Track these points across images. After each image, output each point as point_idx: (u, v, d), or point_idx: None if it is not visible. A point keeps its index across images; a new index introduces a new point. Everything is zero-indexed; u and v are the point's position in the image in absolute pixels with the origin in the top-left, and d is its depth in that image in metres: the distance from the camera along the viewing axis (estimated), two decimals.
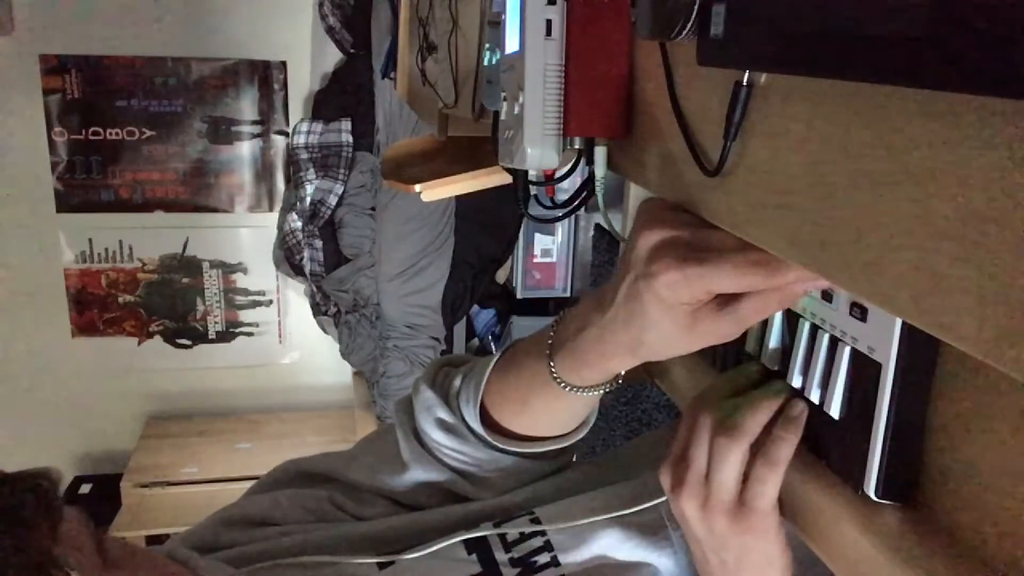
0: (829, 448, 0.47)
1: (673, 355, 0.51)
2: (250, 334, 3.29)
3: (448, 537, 0.64)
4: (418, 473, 0.69)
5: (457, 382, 0.68)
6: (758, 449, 0.50)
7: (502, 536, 0.65)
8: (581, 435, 0.68)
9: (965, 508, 0.39)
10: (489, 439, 0.65)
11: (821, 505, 0.46)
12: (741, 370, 0.55)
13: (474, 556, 0.63)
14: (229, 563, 0.61)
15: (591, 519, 0.65)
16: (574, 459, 0.75)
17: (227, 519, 0.68)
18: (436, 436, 0.67)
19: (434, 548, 0.63)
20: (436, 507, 0.69)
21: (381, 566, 0.62)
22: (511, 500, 0.69)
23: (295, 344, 3.33)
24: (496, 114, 0.63)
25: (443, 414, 0.67)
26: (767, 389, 0.52)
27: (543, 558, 0.64)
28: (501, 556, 0.63)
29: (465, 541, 0.64)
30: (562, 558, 0.64)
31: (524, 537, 0.64)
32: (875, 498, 0.43)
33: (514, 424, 0.65)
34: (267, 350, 3.31)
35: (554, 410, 0.63)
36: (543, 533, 0.65)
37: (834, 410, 0.46)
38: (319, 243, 2.75)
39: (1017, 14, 0.21)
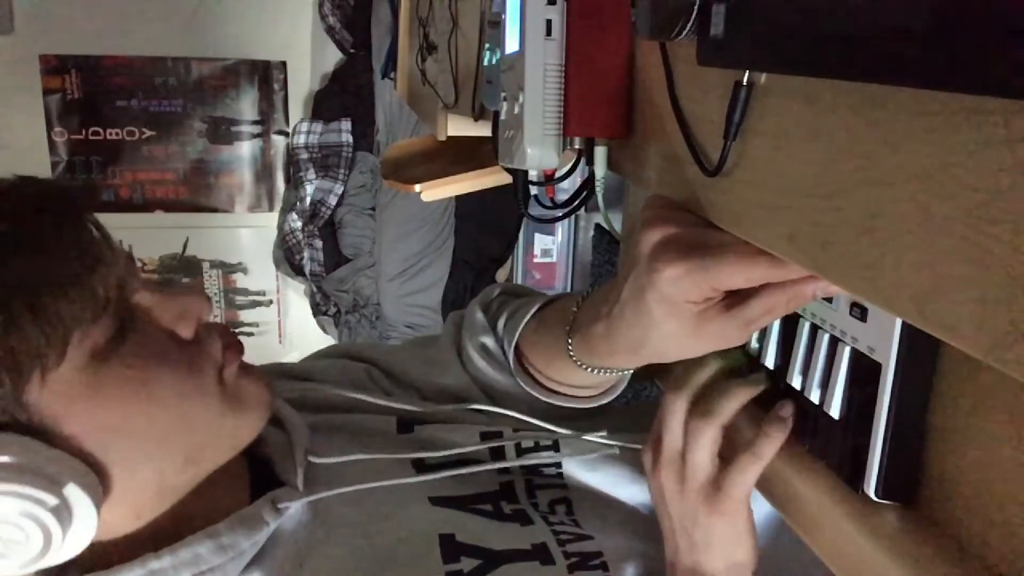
0: (829, 448, 0.47)
1: (677, 357, 0.51)
2: (250, 334, 3.29)
3: (468, 404, 0.67)
4: (450, 381, 0.72)
5: (504, 317, 0.69)
6: (742, 443, 0.51)
7: (517, 443, 0.67)
8: (607, 399, 0.68)
9: (965, 508, 0.39)
10: (521, 383, 0.67)
11: (821, 505, 0.46)
12: (725, 354, 0.55)
13: (486, 447, 0.65)
14: None
15: (603, 440, 0.66)
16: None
17: (274, 370, 0.73)
18: (475, 357, 0.70)
19: (455, 407, 0.67)
20: None
21: (400, 430, 0.66)
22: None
23: (295, 344, 3.33)
24: (496, 114, 0.63)
25: (487, 340, 0.69)
26: (746, 379, 0.53)
27: (549, 470, 0.66)
28: (511, 456, 0.66)
29: (481, 433, 0.66)
30: (567, 476, 0.66)
31: (537, 447, 0.67)
32: (875, 498, 0.43)
33: (541, 375, 0.67)
34: (267, 350, 3.31)
35: (574, 378, 0.65)
36: (556, 449, 0.67)
37: (834, 410, 0.46)
38: (319, 243, 2.75)
39: (1017, 14, 0.21)
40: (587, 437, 0.67)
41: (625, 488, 0.67)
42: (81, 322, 0.46)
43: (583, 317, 0.58)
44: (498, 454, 0.66)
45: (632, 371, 0.62)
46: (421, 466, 0.62)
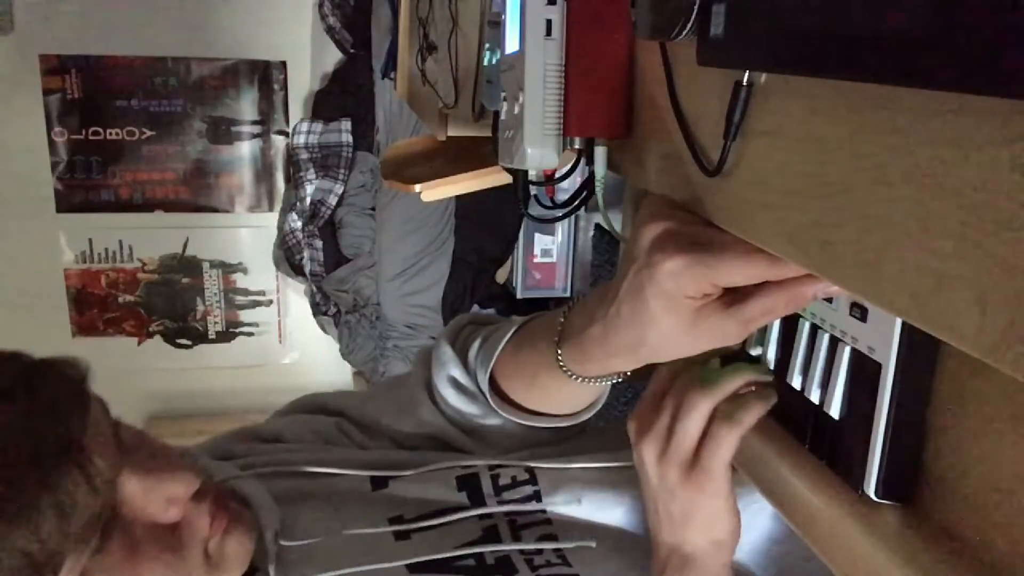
0: (829, 448, 0.47)
1: (675, 356, 0.50)
2: (250, 334, 3.29)
3: (442, 462, 0.66)
4: (423, 423, 0.71)
5: (476, 345, 0.68)
6: (719, 413, 0.51)
7: (494, 478, 0.66)
8: (586, 417, 0.68)
9: (965, 508, 0.39)
10: (495, 407, 0.66)
11: (821, 505, 0.46)
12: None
13: (463, 493, 0.65)
14: (238, 469, 0.65)
15: (581, 465, 0.66)
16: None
17: (242, 433, 0.73)
18: (447, 393, 0.69)
19: (428, 468, 0.65)
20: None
21: (375, 486, 0.65)
22: (509, 456, 0.70)
23: (295, 344, 3.33)
24: (496, 114, 0.63)
25: (457, 373, 0.68)
26: (752, 365, 0.52)
27: (531, 505, 0.65)
28: (490, 497, 0.65)
29: (456, 479, 0.65)
30: (549, 509, 0.65)
31: (515, 483, 0.66)
32: (875, 498, 0.43)
33: (521, 398, 0.66)
34: (267, 350, 3.31)
35: (560, 393, 0.63)
36: (534, 482, 0.66)
37: (834, 410, 0.46)
38: (319, 243, 2.75)
39: (1017, 14, 0.21)
40: (563, 465, 0.66)
41: (610, 512, 0.66)
42: (72, 550, 0.46)
43: (573, 325, 0.57)
44: (477, 498, 0.65)
45: (615, 381, 0.60)
46: (398, 524, 0.62)
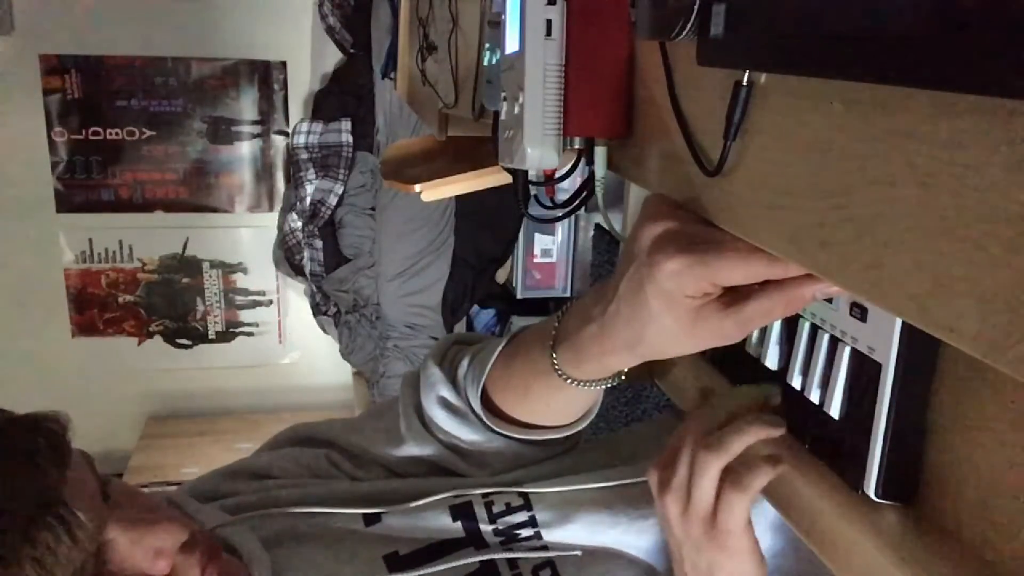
0: (829, 448, 0.47)
1: (673, 355, 0.51)
2: (250, 334, 3.29)
3: (434, 492, 0.65)
4: (414, 448, 0.70)
5: (465, 363, 0.68)
6: (727, 476, 0.52)
7: (488, 505, 0.65)
8: (581, 427, 0.68)
9: (965, 508, 0.39)
10: (488, 423, 0.65)
11: (821, 505, 0.46)
12: (752, 388, 0.55)
13: (459, 523, 0.64)
14: (226, 511, 0.64)
15: (575, 487, 0.66)
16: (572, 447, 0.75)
17: (229, 471, 0.71)
18: (437, 414, 0.68)
19: (420, 503, 0.64)
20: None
21: (368, 522, 0.64)
22: (503, 478, 0.69)
23: (295, 344, 3.33)
24: (496, 114, 0.63)
25: (446, 393, 0.67)
26: (762, 417, 0.53)
27: (526, 531, 0.65)
28: (485, 525, 0.64)
29: (450, 508, 0.65)
30: (545, 534, 0.65)
31: (509, 509, 0.65)
32: (875, 498, 0.43)
33: (515, 410, 0.65)
34: (267, 350, 3.31)
35: (555, 400, 0.63)
36: (529, 508, 0.66)
37: (834, 410, 0.46)
38: (319, 243, 2.75)
39: (1017, 14, 0.21)
40: (557, 488, 0.66)
41: (605, 533, 0.65)
42: None
43: (569, 326, 0.56)
44: (472, 528, 0.64)
45: (610, 385, 0.60)
46: (394, 563, 0.61)
